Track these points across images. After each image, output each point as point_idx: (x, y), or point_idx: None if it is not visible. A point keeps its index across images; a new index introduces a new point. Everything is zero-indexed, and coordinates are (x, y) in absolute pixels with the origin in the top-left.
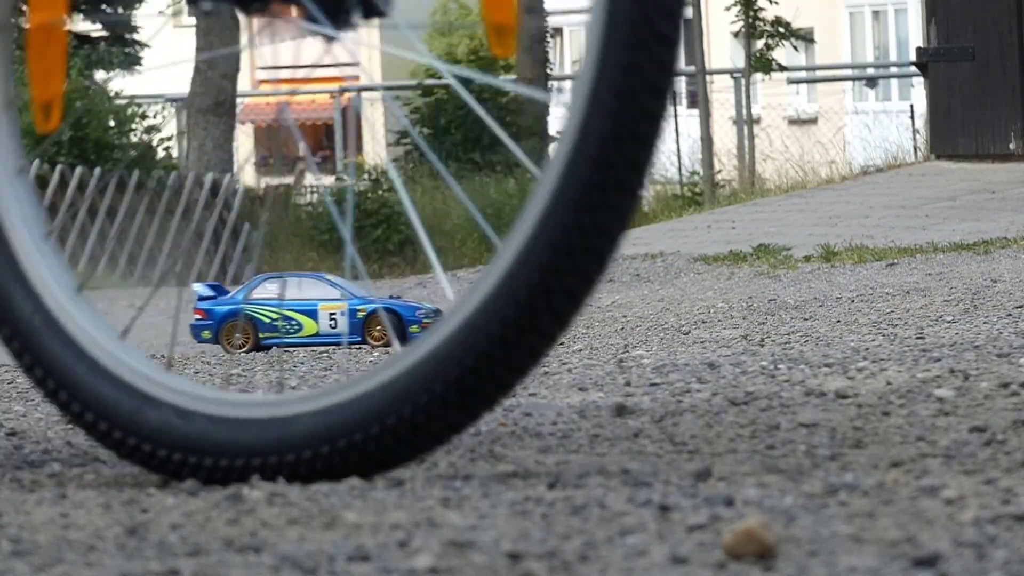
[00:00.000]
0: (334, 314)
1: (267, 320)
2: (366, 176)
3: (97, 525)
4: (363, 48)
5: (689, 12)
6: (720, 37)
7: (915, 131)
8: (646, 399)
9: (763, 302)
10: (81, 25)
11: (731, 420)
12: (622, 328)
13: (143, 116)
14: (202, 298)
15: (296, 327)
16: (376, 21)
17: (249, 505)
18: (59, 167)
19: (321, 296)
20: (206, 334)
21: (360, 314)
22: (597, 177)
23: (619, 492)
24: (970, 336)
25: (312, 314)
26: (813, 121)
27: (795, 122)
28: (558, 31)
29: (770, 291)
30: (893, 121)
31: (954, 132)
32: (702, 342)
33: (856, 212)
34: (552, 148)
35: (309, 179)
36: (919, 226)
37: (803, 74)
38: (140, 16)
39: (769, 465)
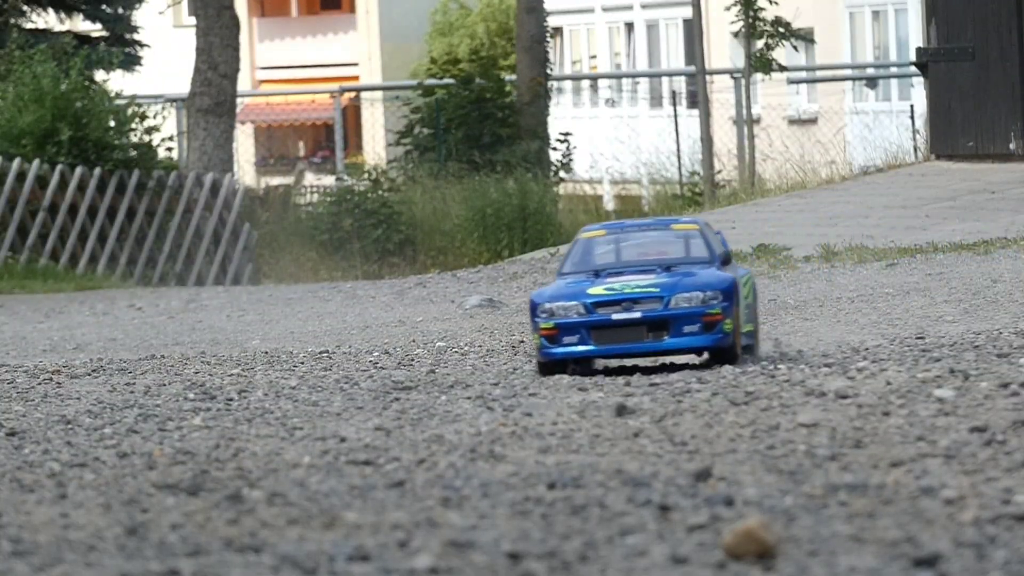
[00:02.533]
0: None
1: None
2: (366, 176)
3: (97, 525)
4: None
5: (689, 12)
6: (720, 37)
7: (915, 131)
8: (646, 399)
9: (763, 302)
10: (81, 25)
11: (731, 420)
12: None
13: (143, 116)
14: None
15: None
16: None
17: (249, 505)
18: (59, 167)
19: None
20: None
21: None
22: None
23: (619, 492)
24: (970, 336)
25: None
26: (813, 121)
27: (795, 122)
28: (558, 31)
29: (770, 291)
30: (893, 121)
31: (954, 132)
32: None
33: (856, 212)
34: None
35: (309, 179)
36: (919, 226)
37: (803, 74)
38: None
39: (769, 465)
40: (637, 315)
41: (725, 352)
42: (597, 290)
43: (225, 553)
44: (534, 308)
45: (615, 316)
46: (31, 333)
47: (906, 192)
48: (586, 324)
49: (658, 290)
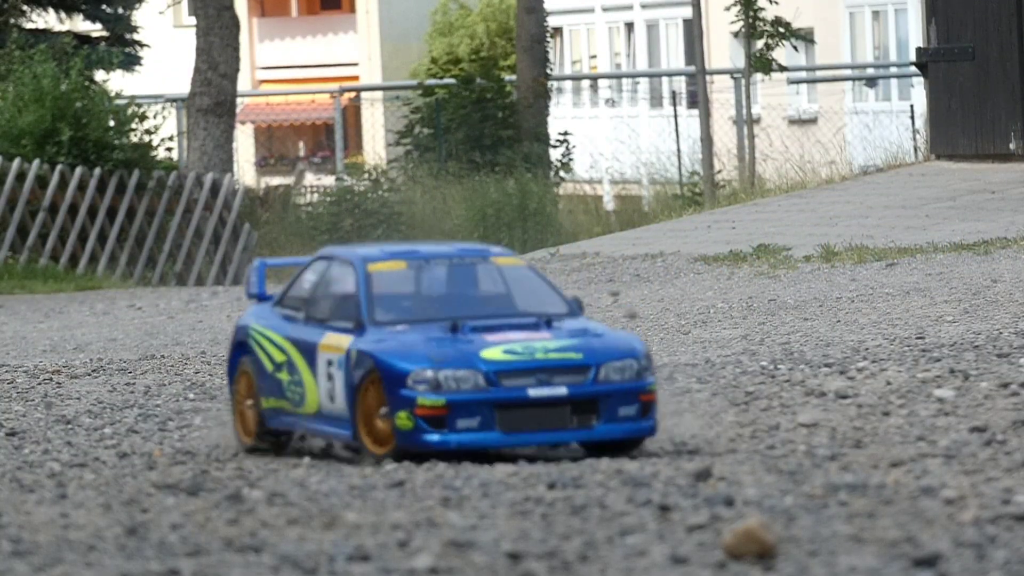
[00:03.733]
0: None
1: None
2: (366, 176)
3: (97, 525)
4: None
5: (689, 12)
6: (720, 37)
7: (915, 131)
8: None
9: (763, 302)
10: (81, 25)
11: (731, 420)
12: (622, 328)
13: (143, 116)
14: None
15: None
16: None
17: (249, 505)
18: (59, 167)
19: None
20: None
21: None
22: None
23: (619, 492)
24: (970, 336)
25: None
26: (813, 121)
27: (795, 122)
28: (558, 31)
29: (770, 291)
30: (893, 121)
31: (954, 132)
32: (702, 342)
33: (856, 212)
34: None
35: (309, 179)
36: (919, 226)
37: (803, 74)
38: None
39: (769, 465)
40: (562, 391)
41: (637, 444)
42: (493, 353)
43: (225, 553)
44: (399, 377)
45: (532, 392)
46: (31, 333)
47: (906, 192)
48: (490, 402)
49: (581, 356)
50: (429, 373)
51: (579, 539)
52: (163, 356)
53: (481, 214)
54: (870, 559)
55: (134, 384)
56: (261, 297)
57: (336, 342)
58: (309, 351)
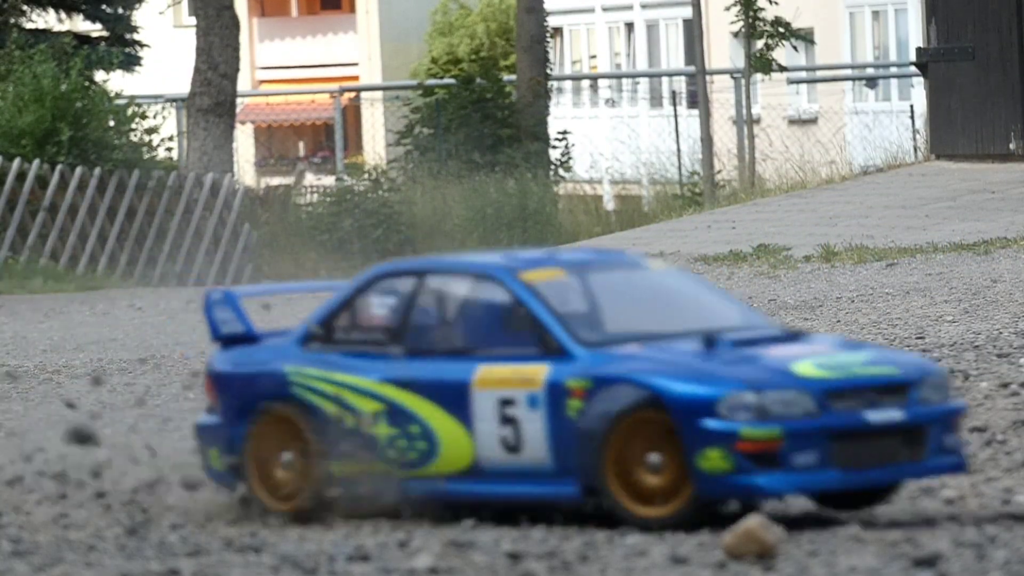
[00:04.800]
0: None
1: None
2: (366, 176)
3: (97, 525)
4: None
5: (689, 12)
6: (720, 37)
7: (915, 131)
8: None
9: (763, 302)
10: (81, 25)
11: None
12: None
13: (143, 116)
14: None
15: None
16: None
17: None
18: (59, 167)
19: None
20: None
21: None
22: None
23: None
24: (970, 336)
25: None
26: (813, 121)
27: (795, 122)
28: (558, 31)
29: (770, 291)
30: (893, 121)
31: (954, 132)
32: None
33: (856, 212)
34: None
35: (309, 179)
36: (919, 226)
37: (803, 74)
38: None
39: None
40: (898, 415)
41: (894, 490)
42: (807, 368)
43: (225, 553)
44: (702, 404)
45: (872, 418)
46: (31, 333)
47: (906, 192)
48: (824, 431)
49: (899, 371)
50: (750, 397)
51: (579, 539)
52: (163, 356)
53: (481, 214)
54: (870, 559)
55: (134, 384)
56: (250, 337)
57: (512, 375)
58: (449, 392)
